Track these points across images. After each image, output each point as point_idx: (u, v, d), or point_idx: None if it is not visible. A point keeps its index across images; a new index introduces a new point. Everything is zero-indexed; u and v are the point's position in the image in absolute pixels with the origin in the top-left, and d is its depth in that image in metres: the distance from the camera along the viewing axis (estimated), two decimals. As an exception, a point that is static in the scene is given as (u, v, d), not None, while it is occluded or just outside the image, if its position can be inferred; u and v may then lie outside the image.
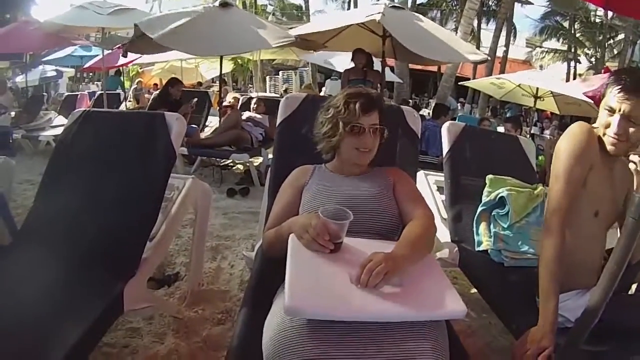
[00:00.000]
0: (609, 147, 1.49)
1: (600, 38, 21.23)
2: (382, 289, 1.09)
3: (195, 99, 5.96)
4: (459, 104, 14.74)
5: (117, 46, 8.67)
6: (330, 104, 1.55)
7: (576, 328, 1.31)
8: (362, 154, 1.50)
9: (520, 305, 1.59)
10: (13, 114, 7.38)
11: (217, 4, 5.38)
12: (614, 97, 1.44)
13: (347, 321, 1.05)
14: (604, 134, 1.50)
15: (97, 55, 9.86)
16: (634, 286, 1.66)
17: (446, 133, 2.38)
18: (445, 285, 1.18)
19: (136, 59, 10.01)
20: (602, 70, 10.47)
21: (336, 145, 1.53)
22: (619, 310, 1.33)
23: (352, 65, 5.57)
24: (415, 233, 1.30)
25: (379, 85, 5.53)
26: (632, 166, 1.38)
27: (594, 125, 1.57)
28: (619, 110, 1.43)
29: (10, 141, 6.11)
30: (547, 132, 11.34)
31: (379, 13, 4.53)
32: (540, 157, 5.76)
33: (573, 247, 1.51)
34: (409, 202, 1.47)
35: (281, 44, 5.00)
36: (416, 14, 5.74)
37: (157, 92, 7.29)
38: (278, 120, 1.99)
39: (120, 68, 11.99)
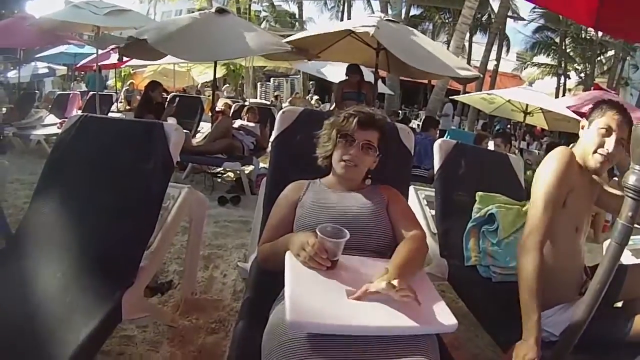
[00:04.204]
0: (595, 164, 1.58)
1: (591, 54, 21.39)
2: (378, 305, 1.13)
3: (177, 98, 6.19)
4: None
5: (112, 47, 8.66)
6: (333, 115, 1.61)
7: (561, 342, 1.37)
8: (347, 167, 1.51)
9: (507, 319, 1.61)
10: (4, 110, 7.30)
11: (213, 10, 5.42)
12: (613, 120, 1.54)
13: (345, 335, 1.09)
14: (594, 152, 1.57)
15: (90, 53, 9.74)
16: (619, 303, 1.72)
17: (438, 150, 2.42)
18: (437, 300, 1.22)
19: (129, 60, 9.96)
20: (592, 87, 10.69)
21: (329, 153, 1.56)
22: (602, 324, 1.39)
23: (346, 78, 5.57)
24: (410, 253, 1.33)
25: (371, 96, 5.54)
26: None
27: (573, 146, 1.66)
28: (617, 132, 1.53)
29: (1, 138, 6.07)
30: (532, 146, 11.47)
31: (374, 26, 4.53)
32: (528, 172, 5.82)
33: (554, 264, 1.58)
34: (402, 222, 1.50)
35: (275, 50, 5.05)
36: (410, 29, 5.78)
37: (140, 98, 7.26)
38: (274, 134, 2.01)
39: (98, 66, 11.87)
